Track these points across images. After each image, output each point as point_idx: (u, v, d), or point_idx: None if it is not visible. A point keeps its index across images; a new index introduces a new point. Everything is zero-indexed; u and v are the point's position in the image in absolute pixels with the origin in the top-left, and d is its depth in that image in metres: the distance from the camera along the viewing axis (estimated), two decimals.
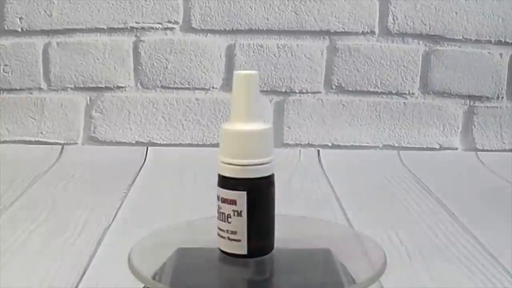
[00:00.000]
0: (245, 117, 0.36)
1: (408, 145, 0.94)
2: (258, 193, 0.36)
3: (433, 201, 0.72)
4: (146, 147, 0.92)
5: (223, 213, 0.37)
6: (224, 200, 0.36)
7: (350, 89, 0.93)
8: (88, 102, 0.92)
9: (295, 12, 0.91)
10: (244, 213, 0.36)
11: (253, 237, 0.36)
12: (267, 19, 0.91)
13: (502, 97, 0.94)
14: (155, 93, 0.92)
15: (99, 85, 0.92)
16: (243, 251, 0.37)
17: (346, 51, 0.92)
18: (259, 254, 0.37)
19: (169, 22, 0.91)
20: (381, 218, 0.65)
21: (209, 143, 0.93)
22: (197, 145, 0.93)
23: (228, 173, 0.36)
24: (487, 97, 0.94)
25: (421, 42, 0.92)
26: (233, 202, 0.36)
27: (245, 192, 0.36)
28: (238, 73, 0.37)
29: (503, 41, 0.92)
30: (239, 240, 0.36)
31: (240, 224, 0.36)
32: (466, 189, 0.78)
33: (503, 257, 0.54)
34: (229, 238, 0.37)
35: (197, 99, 0.92)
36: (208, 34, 0.91)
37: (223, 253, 0.37)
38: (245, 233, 0.36)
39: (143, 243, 0.40)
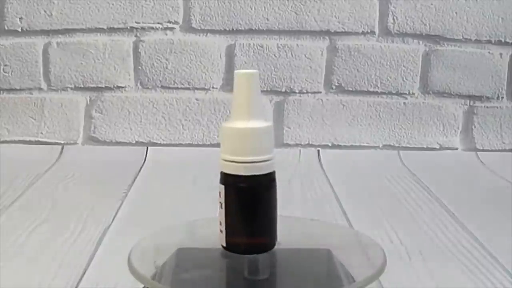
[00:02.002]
0: (245, 116, 0.37)
1: (408, 145, 0.94)
2: (235, 189, 0.37)
3: (433, 201, 0.72)
4: (146, 147, 0.92)
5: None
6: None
7: (350, 89, 0.93)
8: (88, 102, 0.92)
9: (295, 12, 0.91)
10: (223, 206, 0.37)
11: (230, 231, 0.37)
12: (267, 19, 0.91)
13: (502, 97, 0.94)
14: (155, 93, 0.92)
15: (99, 85, 0.92)
16: (224, 242, 0.37)
17: (346, 51, 0.92)
18: (238, 250, 0.37)
19: (169, 22, 0.91)
20: (381, 218, 0.65)
21: (209, 143, 0.93)
22: (197, 145, 0.93)
23: (220, 166, 0.37)
24: (487, 97, 0.94)
25: (421, 42, 0.92)
26: (220, 194, 0.37)
27: (223, 186, 0.37)
28: (238, 72, 0.37)
29: (503, 41, 0.92)
30: (221, 231, 0.37)
31: (221, 216, 0.37)
32: (466, 189, 0.78)
33: (503, 257, 0.54)
34: (220, 228, 0.38)
35: (197, 99, 0.92)
36: (208, 34, 0.91)
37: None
38: (224, 225, 0.37)
39: (143, 243, 0.40)
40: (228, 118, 0.37)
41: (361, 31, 0.92)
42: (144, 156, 0.90)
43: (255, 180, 0.36)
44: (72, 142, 0.93)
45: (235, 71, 0.37)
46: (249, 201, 0.37)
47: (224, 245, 0.37)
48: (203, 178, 0.79)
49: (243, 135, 0.36)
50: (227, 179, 0.37)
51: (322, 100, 0.93)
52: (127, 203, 0.69)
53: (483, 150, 0.94)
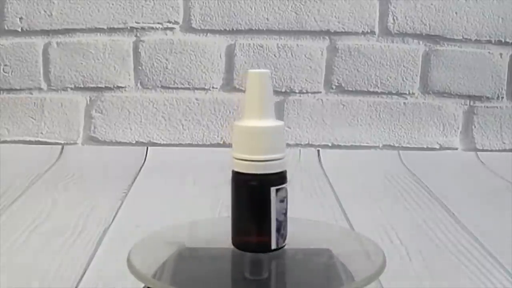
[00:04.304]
0: (258, 115, 0.37)
1: (408, 145, 0.94)
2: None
3: (433, 201, 0.72)
4: (146, 147, 0.92)
5: None
6: None
7: (350, 89, 0.93)
8: (88, 102, 0.92)
9: (295, 12, 0.91)
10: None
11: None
12: (267, 19, 0.91)
13: (502, 97, 0.94)
14: (155, 93, 0.92)
15: (99, 85, 0.92)
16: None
17: (346, 51, 0.92)
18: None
19: (169, 22, 0.91)
20: (381, 218, 0.65)
21: (209, 143, 0.93)
22: (197, 145, 0.93)
23: (231, 165, 0.38)
24: (487, 97, 0.94)
25: (421, 42, 0.92)
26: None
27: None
28: (251, 71, 0.37)
29: (503, 41, 0.92)
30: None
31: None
32: (466, 189, 0.78)
33: (503, 257, 0.54)
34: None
35: (197, 99, 0.92)
36: (208, 34, 0.91)
37: None
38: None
39: (143, 243, 0.40)
40: (240, 117, 0.37)
41: (361, 31, 0.92)
42: (144, 156, 0.90)
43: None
44: (72, 142, 0.93)
45: (248, 70, 0.37)
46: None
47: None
48: (203, 178, 0.79)
49: (255, 133, 0.37)
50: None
51: (322, 100, 0.93)
52: (127, 203, 0.69)
53: (483, 150, 0.94)
